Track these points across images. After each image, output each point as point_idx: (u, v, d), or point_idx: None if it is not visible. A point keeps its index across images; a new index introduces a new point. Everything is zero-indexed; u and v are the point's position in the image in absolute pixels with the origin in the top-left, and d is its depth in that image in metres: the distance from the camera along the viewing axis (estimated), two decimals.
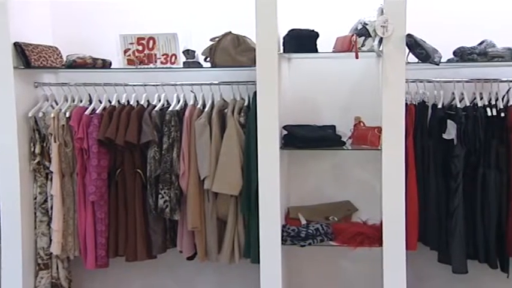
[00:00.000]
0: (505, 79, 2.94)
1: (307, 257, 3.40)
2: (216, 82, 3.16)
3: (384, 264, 2.82)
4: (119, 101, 3.24)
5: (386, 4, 2.63)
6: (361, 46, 2.76)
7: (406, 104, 2.85)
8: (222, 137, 3.03)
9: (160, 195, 3.04)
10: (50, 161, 3.16)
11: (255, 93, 2.87)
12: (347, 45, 2.76)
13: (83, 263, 3.21)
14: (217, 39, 3.03)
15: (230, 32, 3.03)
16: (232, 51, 2.98)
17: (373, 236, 2.93)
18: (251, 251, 3.01)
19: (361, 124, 3.05)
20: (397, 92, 2.71)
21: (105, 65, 3.20)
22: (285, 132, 3.00)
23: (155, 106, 3.15)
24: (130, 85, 3.21)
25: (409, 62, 2.77)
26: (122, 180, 3.14)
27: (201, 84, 3.16)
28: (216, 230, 3.11)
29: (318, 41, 2.87)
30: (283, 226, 3.00)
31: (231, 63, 3.00)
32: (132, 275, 3.56)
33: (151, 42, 3.10)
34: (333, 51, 2.90)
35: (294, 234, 2.94)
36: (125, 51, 3.12)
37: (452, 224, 2.90)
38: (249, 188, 2.98)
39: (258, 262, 2.91)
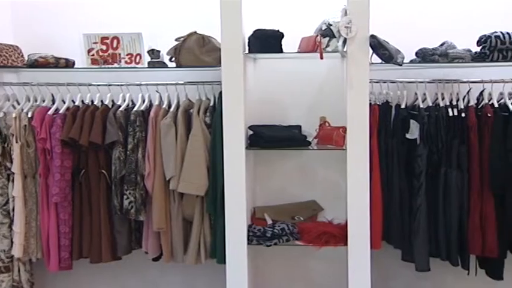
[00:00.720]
0: (466, 80, 3.00)
1: (273, 257, 3.41)
2: (182, 82, 3.15)
3: (349, 263, 2.84)
4: (82, 101, 3.19)
5: (350, 5, 2.65)
6: (326, 47, 2.78)
7: (370, 104, 2.89)
8: (188, 137, 3.01)
9: (125, 196, 3.01)
10: (11, 162, 3.10)
11: (220, 93, 2.86)
12: (312, 46, 2.78)
13: (45, 265, 3.16)
14: (182, 39, 3.01)
15: (195, 32, 3.02)
16: (197, 51, 2.97)
17: (338, 235, 2.95)
18: (217, 251, 3.01)
19: (326, 124, 3.07)
20: (361, 92, 2.73)
21: (68, 64, 3.16)
22: (251, 132, 3.00)
23: (120, 106, 3.12)
24: (95, 85, 3.17)
25: (372, 63, 2.80)
26: (86, 181, 3.10)
27: (167, 84, 3.14)
28: (181, 231, 3.10)
29: (283, 41, 2.88)
30: (249, 226, 3.00)
31: (196, 63, 2.98)
32: (96, 277, 3.52)
33: (115, 41, 3.07)
34: (298, 52, 2.91)
35: (260, 234, 2.94)
36: (89, 51, 3.09)
37: (415, 222, 2.95)
38: (215, 188, 2.98)
39: (224, 262, 2.91)
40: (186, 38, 3.00)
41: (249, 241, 2.93)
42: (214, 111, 3.03)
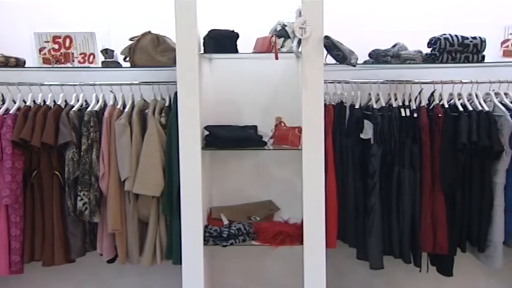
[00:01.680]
0: (417, 81, 3.06)
1: (229, 257, 3.41)
2: (136, 82, 3.12)
3: (305, 262, 2.86)
4: (34, 101, 3.13)
5: (304, 6, 2.67)
6: (281, 47, 2.80)
7: (325, 104, 2.92)
8: (143, 137, 2.98)
9: (79, 197, 2.96)
10: None
11: (176, 93, 2.83)
12: (267, 46, 2.79)
13: None
14: (136, 38, 2.98)
15: (149, 32, 3.00)
16: (152, 51, 2.95)
17: (294, 234, 2.96)
18: (173, 252, 2.99)
19: (282, 124, 3.08)
20: (316, 92, 2.75)
21: (19, 63, 3.08)
22: (207, 132, 2.99)
23: (73, 106, 3.07)
24: (47, 84, 3.11)
25: (327, 63, 2.82)
26: (39, 182, 3.04)
27: (121, 84, 3.11)
28: (137, 232, 3.07)
29: (238, 42, 2.87)
30: (206, 227, 2.98)
31: (151, 63, 2.96)
32: (49, 281, 3.46)
33: (67, 40, 3.02)
34: (253, 52, 2.92)
35: (216, 234, 2.93)
36: (40, 50, 3.04)
37: (370, 221, 2.99)
38: (171, 189, 2.96)
39: (180, 263, 2.89)
40: (140, 37, 2.97)
41: (205, 241, 2.91)
42: (170, 112, 3.00)
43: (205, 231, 2.94)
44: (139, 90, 3.13)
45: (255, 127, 3.19)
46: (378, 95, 3.08)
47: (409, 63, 2.96)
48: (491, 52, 3.01)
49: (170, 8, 2.70)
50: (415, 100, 3.05)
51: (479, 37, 2.91)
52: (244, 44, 2.91)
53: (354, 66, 2.77)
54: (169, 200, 2.97)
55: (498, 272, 3.19)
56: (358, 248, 3.09)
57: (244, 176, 3.39)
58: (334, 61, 2.80)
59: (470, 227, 2.96)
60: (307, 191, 2.82)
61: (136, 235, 3.07)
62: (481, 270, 3.26)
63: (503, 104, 2.97)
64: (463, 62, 2.93)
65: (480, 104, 2.98)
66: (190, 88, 2.78)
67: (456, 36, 2.89)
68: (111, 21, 3.19)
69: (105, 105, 3.11)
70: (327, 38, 2.71)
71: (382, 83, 3.09)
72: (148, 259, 3.05)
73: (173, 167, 2.92)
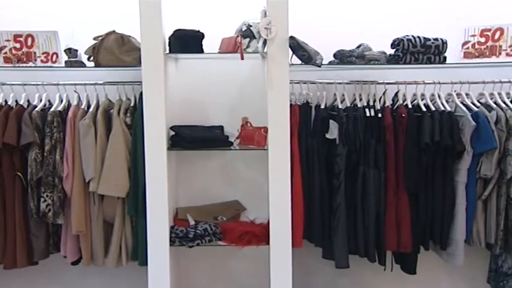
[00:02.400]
0: (382, 81, 3.09)
1: (196, 258, 3.40)
2: (101, 82, 3.09)
3: (271, 261, 2.87)
4: None
5: (269, 6, 2.67)
6: (246, 47, 2.81)
7: (291, 104, 2.92)
8: (108, 138, 2.95)
9: (42, 199, 2.92)
10: None
11: (141, 93, 2.82)
12: (232, 46, 2.79)
13: None
14: (100, 38, 2.95)
15: (114, 31, 2.97)
16: (116, 50, 2.92)
17: (260, 234, 2.97)
18: (139, 253, 2.97)
19: (248, 124, 3.09)
20: (282, 93, 2.76)
21: None
22: (173, 132, 2.98)
23: (36, 106, 3.02)
24: (8, 84, 3.05)
25: (292, 64, 2.83)
26: (0, 183, 2.98)
27: (85, 84, 3.07)
28: (102, 233, 3.04)
29: (204, 42, 2.87)
30: (172, 227, 2.97)
31: (116, 63, 2.93)
32: (11, 284, 3.39)
33: (29, 39, 2.97)
34: (219, 52, 2.92)
35: (182, 235, 2.92)
36: (1, 49, 2.98)
37: (335, 221, 3.00)
38: (136, 190, 2.94)
39: (146, 264, 2.87)
40: (105, 37, 2.94)
41: (171, 242, 2.90)
42: (135, 112, 2.98)
43: (171, 232, 2.93)
44: (104, 90, 3.09)
45: (221, 127, 3.19)
46: (343, 95, 3.10)
47: (373, 64, 2.99)
48: (453, 53, 3.06)
49: (135, 7, 2.67)
50: (380, 100, 3.08)
51: (441, 39, 2.96)
52: (210, 44, 2.91)
53: (319, 66, 2.78)
54: (135, 200, 2.95)
55: (459, 269, 3.26)
56: (324, 248, 3.11)
57: (211, 176, 3.39)
58: (299, 61, 2.80)
59: (433, 226, 2.99)
60: (273, 190, 2.83)
61: (101, 236, 3.03)
62: (443, 267, 3.31)
63: (464, 105, 3.02)
64: (426, 63, 2.97)
65: (442, 104, 3.02)
66: (156, 88, 2.76)
67: (419, 37, 2.93)
68: (75, 20, 3.15)
69: (69, 105, 3.07)
70: (292, 38, 2.72)
71: (347, 83, 3.11)
72: (114, 261, 3.02)
73: (138, 168, 2.90)
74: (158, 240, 2.85)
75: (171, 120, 2.97)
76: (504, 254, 3.07)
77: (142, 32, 2.71)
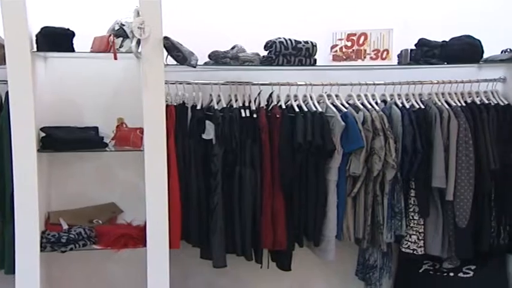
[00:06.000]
0: (256, 82, 3.15)
1: (70, 263, 3.28)
2: None
3: (148, 264, 2.84)
4: None
5: (142, 6, 2.64)
6: (120, 47, 2.76)
7: (167, 105, 2.90)
8: None
9: None
10: None
11: (7, 92, 2.68)
12: (105, 46, 2.73)
13: None
14: None
15: None
16: None
17: (137, 236, 2.94)
18: (5, 260, 2.83)
19: (124, 125, 3.04)
20: (157, 93, 2.75)
21: None
22: (43, 134, 2.86)
23: None
24: None
25: (168, 64, 2.81)
26: None
27: None
28: None
29: (76, 41, 2.79)
30: (43, 232, 2.86)
31: None
32: None
33: None
34: (91, 51, 2.84)
35: (54, 240, 2.82)
36: None
37: (213, 220, 3.02)
38: (4, 194, 2.82)
39: (13, 273, 2.74)
40: None
41: (42, 248, 2.79)
42: (1, 112, 2.83)
43: (42, 237, 2.82)
44: None
45: (96, 128, 3.13)
46: (219, 96, 3.13)
47: (248, 65, 3.05)
48: (322, 56, 3.19)
49: None
50: (255, 101, 3.14)
51: (311, 42, 3.08)
52: (82, 43, 2.83)
53: (194, 67, 2.80)
54: (2, 205, 2.82)
55: (331, 264, 3.37)
56: (201, 248, 3.12)
57: (86, 178, 3.30)
58: (175, 62, 2.80)
59: (307, 223, 3.09)
60: (150, 192, 2.81)
61: None
62: (317, 263, 3.42)
63: (334, 105, 3.15)
64: (297, 65, 3.07)
65: (314, 105, 3.14)
66: (23, 87, 2.65)
67: (290, 40, 3.02)
68: None
69: None
70: (166, 38, 2.71)
71: (222, 84, 3.15)
72: None
73: (6, 170, 2.77)
74: (27, 246, 2.74)
75: (41, 121, 2.86)
76: (371, 247, 3.24)
77: (6, 29, 2.58)
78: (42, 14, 2.80)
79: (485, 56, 3.22)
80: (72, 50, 2.78)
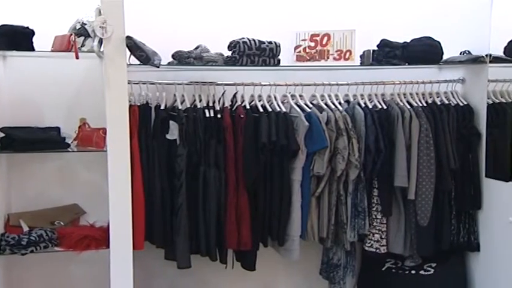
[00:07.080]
0: (220, 82, 3.16)
1: (30, 266, 3.22)
2: None
3: (111, 265, 2.81)
4: None
5: (104, 5, 2.61)
6: (81, 46, 2.73)
7: (130, 105, 2.89)
8: None
9: None
10: None
11: None
12: (66, 45, 2.70)
13: None
14: None
15: None
16: None
17: (100, 238, 2.91)
18: None
19: (86, 126, 3.02)
20: (120, 93, 2.71)
21: None
22: (2, 134, 2.81)
23: None
24: None
25: (130, 64, 2.79)
26: None
27: None
28: None
29: (36, 40, 2.75)
30: (2, 234, 2.81)
31: None
32: None
33: None
34: (52, 51, 2.80)
35: (14, 242, 2.77)
36: None
37: (177, 221, 3.00)
38: None
39: None
40: None
41: (1, 251, 2.75)
42: None
43: (1, 240, 2.77)
44: None
45: (57, 128, 3.09)
46: (183, 96, 3.12)
47: (211, 65, 3.04)
48: (286, 57, 3.21)
49: None
50: (219, 101, 3.14)
51: (275, 42, 3.09)
52: (43, 42, 2.79)
53: (158, 67, 2.77)
54: None
55: (296, 263, 3.38)
56: (166, 249, 3.11)
57: (48, 179, 3.25)
58: (138, 62, 2.78)
59: (271, 223, 3.10)
60: (113, 193, 2.77)
61: None
62: (281, 262, 3.43)
63: (298, 106, 3.16)
64: (261, 65, 3.08)
65: (278, 105, 3.15)
66: None
67: (254, 40, 3.03)
68: None
69: None
70: (129, 38, 2.68)
71: (186, 84, 3.14)
72: None
73: None
74: None
75: (0, 121, 2.82)
76: (334, 246, 3.26)
77: None
78: (0, 11, 2.75)
79: (444, 57, 3.29)
80: (32, 49, 2.74)
